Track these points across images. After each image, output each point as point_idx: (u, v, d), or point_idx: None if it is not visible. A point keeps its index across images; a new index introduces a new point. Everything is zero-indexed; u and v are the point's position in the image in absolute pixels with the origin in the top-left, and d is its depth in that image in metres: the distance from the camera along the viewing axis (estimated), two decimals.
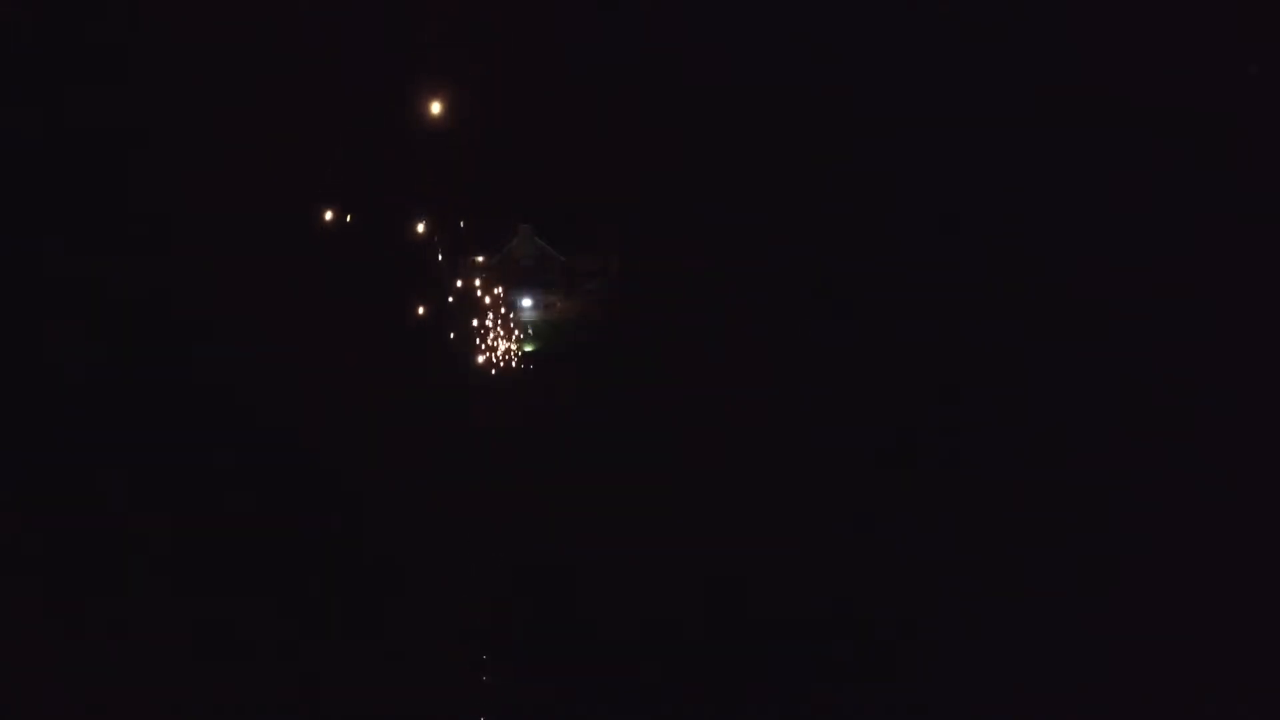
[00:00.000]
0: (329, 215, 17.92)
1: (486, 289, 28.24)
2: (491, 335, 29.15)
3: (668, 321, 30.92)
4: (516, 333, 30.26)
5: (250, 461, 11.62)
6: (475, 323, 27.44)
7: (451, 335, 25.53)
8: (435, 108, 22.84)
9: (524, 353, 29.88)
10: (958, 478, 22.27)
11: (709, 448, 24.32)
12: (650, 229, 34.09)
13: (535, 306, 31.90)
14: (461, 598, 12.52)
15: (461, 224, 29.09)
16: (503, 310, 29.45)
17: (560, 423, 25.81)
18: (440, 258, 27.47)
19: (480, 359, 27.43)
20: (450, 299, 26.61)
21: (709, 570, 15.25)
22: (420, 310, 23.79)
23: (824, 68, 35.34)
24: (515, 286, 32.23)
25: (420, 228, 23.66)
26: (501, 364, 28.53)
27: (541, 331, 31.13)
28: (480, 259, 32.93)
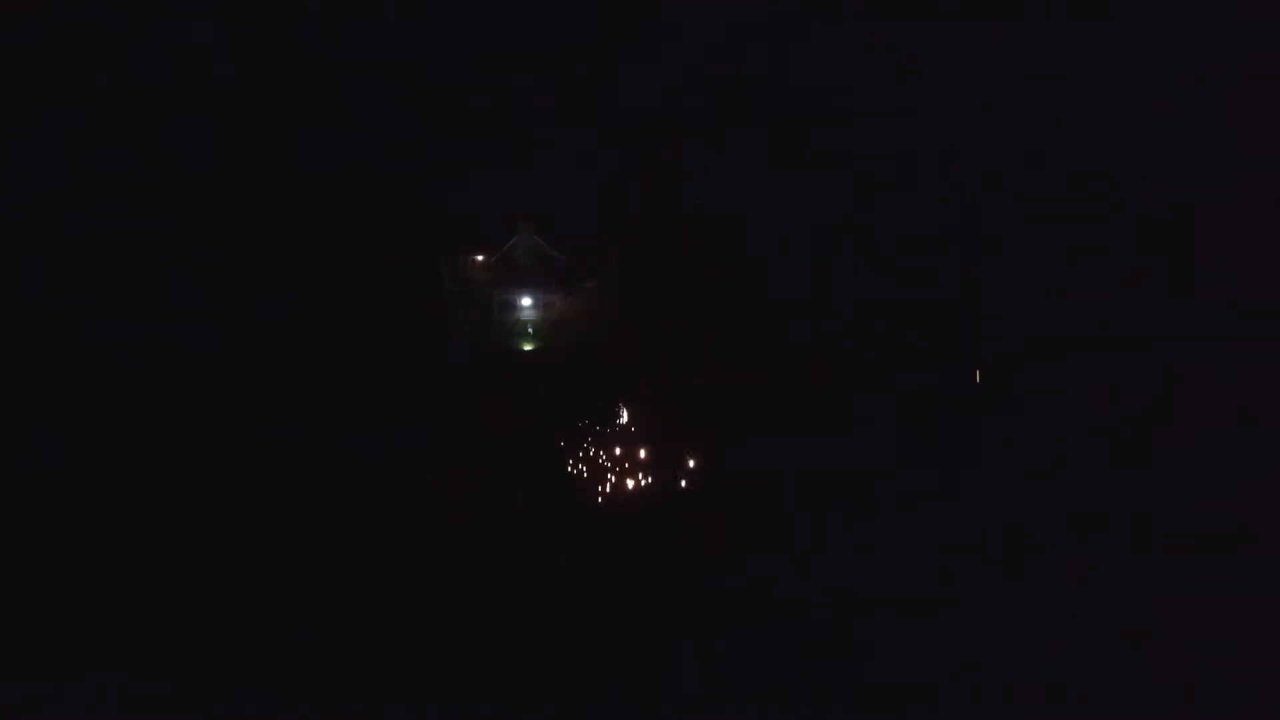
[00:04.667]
0: None
1: None
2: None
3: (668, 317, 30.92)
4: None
5: None
6: None
7: None
8: None
9: (522, 351, 29.98)
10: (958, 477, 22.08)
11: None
12: (650, 226, 34.06)
13: (535, 306, 31.76)
14: None
15: None
16: None
17: None
18: None
19: None
20: None
21: None
22: None
23: (821, 62, 35.11)
24: (515, 286, 32.10)
25: None
26: None
27: (541, 331, 31.06)
28: (480, 258, 32.82)
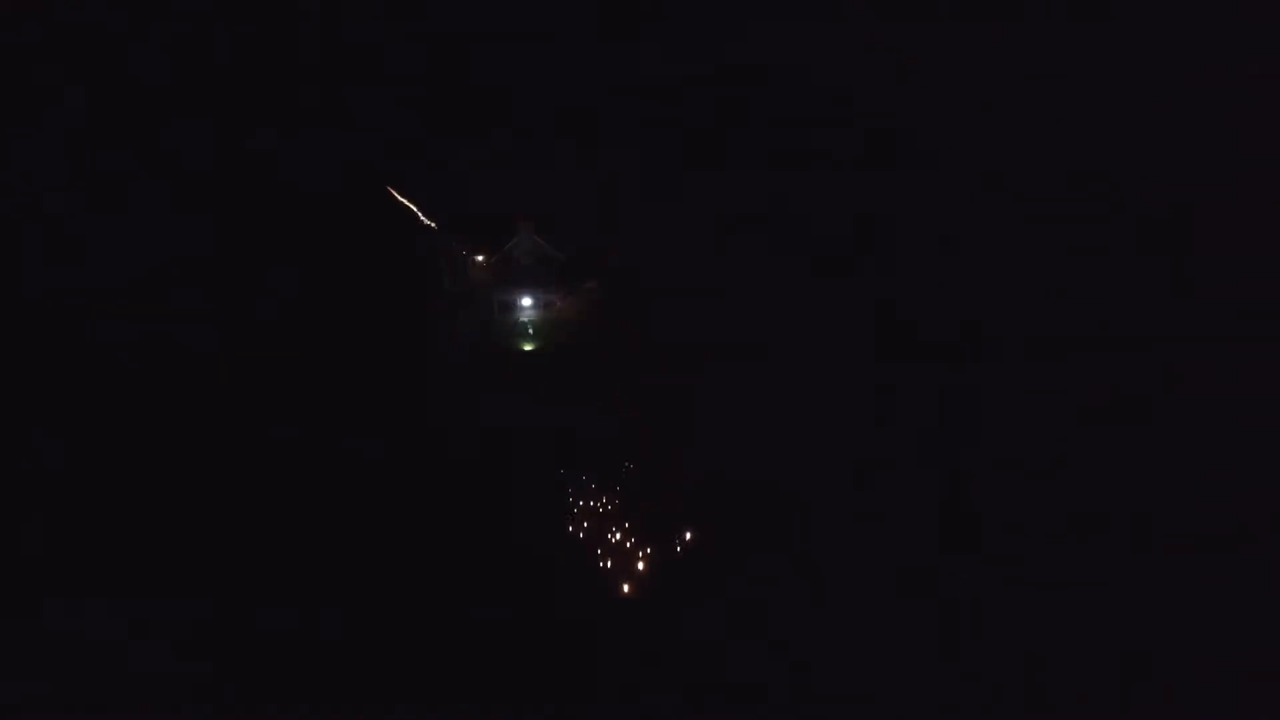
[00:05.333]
0: None
1: None
2: None
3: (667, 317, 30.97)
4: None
5: None
6: None
7: None
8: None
9: (522, 351, 30.10)
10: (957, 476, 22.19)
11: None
12: (649, 224, 34.13)
13: (535, 306, 31.89)
14: None
15: None
16: None
17: None
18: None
19: None
20: None
21: None
22: None
23: (821, 62, 35.27)
24: (515, 286, 32.24)
25: None
26: None
27: (541, 331, 31.17)
28: (480, 258, 32.91)
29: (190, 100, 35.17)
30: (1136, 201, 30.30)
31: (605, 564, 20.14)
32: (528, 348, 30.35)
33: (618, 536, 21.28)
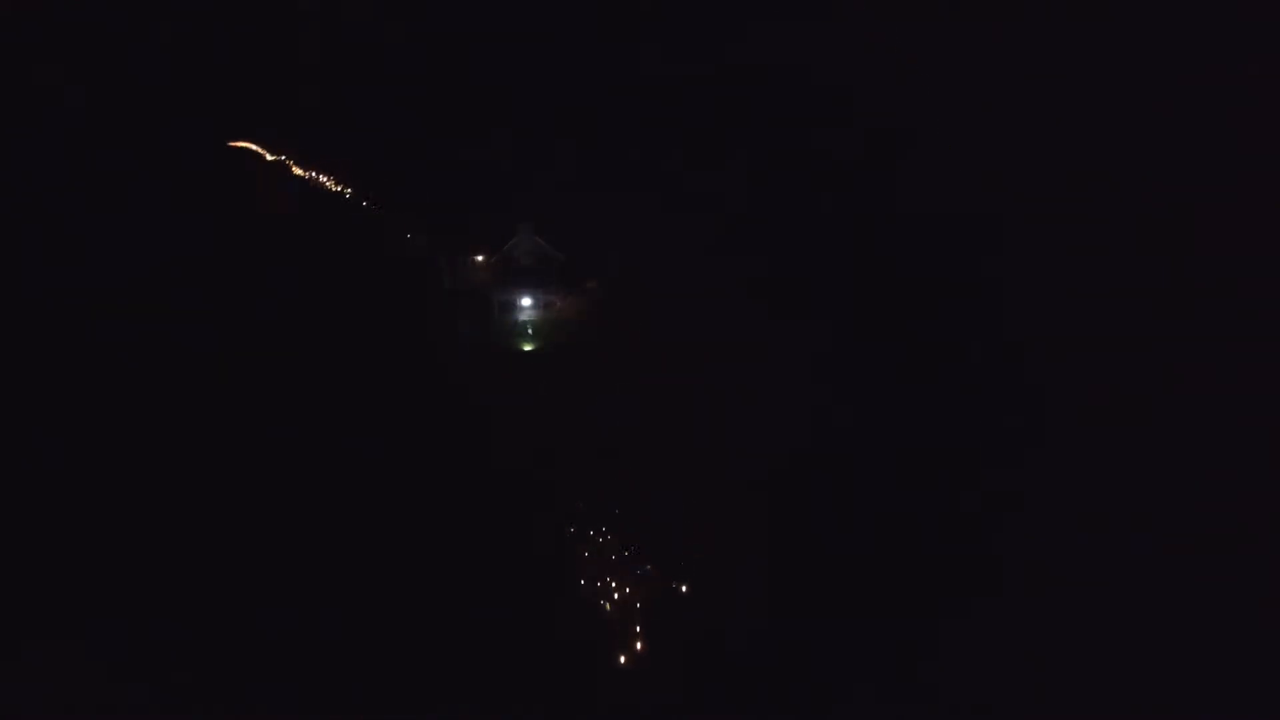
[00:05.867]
0: None
1: None
2: None
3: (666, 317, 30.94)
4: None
5: None
6: None
7: None
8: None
9: (522, 351, 30.09)
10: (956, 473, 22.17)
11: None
12: (648, 226, 34.12)
13: (535, 306, 31.82)
14: None
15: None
16: None
17: None
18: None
19: None
20: None
21: None
22: None
23: (823, 60, 35.12)
24: (515, 286, 32.18)
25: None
26: None
27: (541, 331, 31.14)
28: (480, 258, 32.85)
29: (190, 100, 35.10)
30: (1136, 201, 30.25)
31: (606, 607, 19.95)
32: (528, 348, 30.31)
33: (615, 589, 21.00)
